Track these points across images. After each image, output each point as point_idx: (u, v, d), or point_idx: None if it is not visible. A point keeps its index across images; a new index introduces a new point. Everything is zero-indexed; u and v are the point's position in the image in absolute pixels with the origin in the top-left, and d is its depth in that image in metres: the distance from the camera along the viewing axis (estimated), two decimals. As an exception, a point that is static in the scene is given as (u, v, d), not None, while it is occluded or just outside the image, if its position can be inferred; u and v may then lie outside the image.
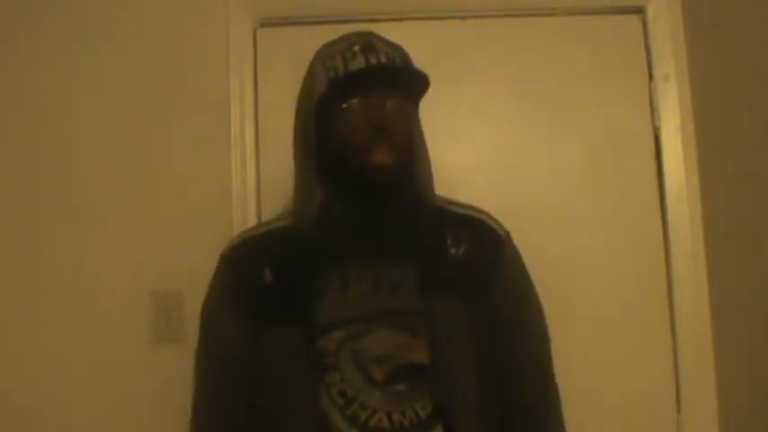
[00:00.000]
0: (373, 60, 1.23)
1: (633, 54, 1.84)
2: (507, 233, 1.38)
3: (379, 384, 1.23)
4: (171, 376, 1.73)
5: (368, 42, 1.27)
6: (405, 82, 1.27)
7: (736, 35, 1.78)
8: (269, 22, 1.85)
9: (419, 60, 1.74)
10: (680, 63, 1.82)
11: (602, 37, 1.85)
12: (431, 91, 1.78)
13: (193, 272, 1.76)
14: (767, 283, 1.69)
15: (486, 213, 1.39)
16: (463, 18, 1.85)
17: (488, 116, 1.83)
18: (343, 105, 1.25)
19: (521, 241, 1.75)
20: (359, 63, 1.24)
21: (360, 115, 1.24)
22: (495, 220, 1.39)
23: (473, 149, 1.83)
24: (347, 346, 1.23)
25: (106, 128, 1.81)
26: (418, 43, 1.82)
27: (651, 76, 1.83)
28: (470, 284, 1.28)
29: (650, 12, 1.84)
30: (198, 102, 1.82)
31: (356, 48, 1.26)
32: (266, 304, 1.28)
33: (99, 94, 1.82)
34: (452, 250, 1.30)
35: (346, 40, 1.29)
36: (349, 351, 1.23)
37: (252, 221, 1.77)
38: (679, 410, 1.75)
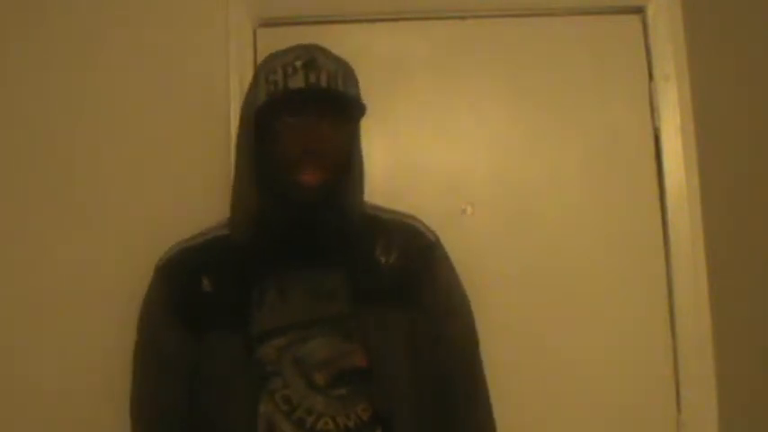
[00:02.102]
0: (312, 79, 1.23)
1: (633, 54, 1.84)
2: (437, 238, 1.41)
3: (322, 389, 1.25)
4: (171, 376, 1.73)
5: (310, 59, 1.26)
6: (341, 103, 1.26)
7: (736, 35, 1.78)
8: (269, 22, 1.85)
9: (419, 60, 1.75)
10: (680, 63, 1.82)
11: (602, 37, 1.85)
12: (430, 91, 1.79)
13: (193, 272, 1.76)
14: (767, 283, 1.69)
15: (416, 218, 1.41)
16: (463, 18, 1.85)
17: (488, 116, 1.83)
18: (277, 123, 1.25)
19: (520, 241, 1.76)
20: (298, 81, 1.23)
21: (291, 135, 1.24)
22: (425, 225, 1.41)
23: (473, 149, 1.83)
24: (288, 353, 1.26)
25: (106, 128, 1.81)
26: (418, 43, 1.83)
27: (651, 76, 1.83)
28: (401, 289, 1.31)
29: (650, 12, 1.84)
30: (198, 102, 1.82)
31: (298, 63, 1.25)
32: (204, 314, 1.30)
33: (99, 93, 1.82)
34: (382, 257, 1.33)
35: (292, 52, 1.28)
36: (290, 358, 1.26)
37: (252, 221, 1.77)
38: (679, 410, 1.75)
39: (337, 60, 1.29)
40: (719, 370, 1.74)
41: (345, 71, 1.29)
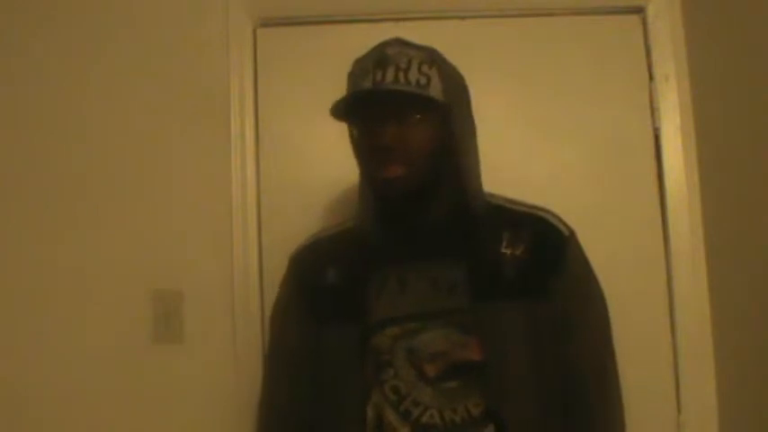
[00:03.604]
0: (378, 78, 1.24)
1: (633, 54, 1.84)
2: (572, 232, 1.37)
3: (432, 381, 1.24)
4: (171, 376, 1.74)
5: (382, 56, 1.26)
6: (409, 98, 1.25)
7: (736, 35, 1.77)
8: (269, 22, 1.85)
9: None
10: (680, 63, 1.82)
11: (602, 37, 1.85)
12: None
13: (193, 272, 1.77)
14: (767, 283, 1.69)
15: (550, 212, 1.38)
16: (463, 18, 1.85)
17: (488, 116, 1.82)
18: (356, 125, 1.29)
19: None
20: (366, 82, 1.25)
21: (366, 134, 1.27)
22: (559, 219, 1.37)
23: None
24: (402, 343, 1.26)
25: (107, 128, 1.82)
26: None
27: (651, 76, 1.83)
28: (528, 284, 1.28)
29: (650, 12, 1.84)
30: (198, 102, 1.82)
31: (370, 64, 1.26)
32: (327, 302, 1.32)
33: (99, 94, 1.82)
34: (508, 250, 1.30)
35: (371, 51, 1.30)
36: (403, 348, 1.26)
37: (252, 222, 1.78)
38: (679, 410, 1.75)
39: (416, 52, 1.28)
40: (719, 370, 1.74)
41: (422, 62, 1.26)
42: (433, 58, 1.29)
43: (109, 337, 1.75)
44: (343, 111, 1.28)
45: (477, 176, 1.35)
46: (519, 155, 1.82)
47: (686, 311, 1.77)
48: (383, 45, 1.30)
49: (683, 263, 1.78)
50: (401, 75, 1.24)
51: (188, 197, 1.79)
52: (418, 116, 1.25)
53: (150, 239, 1.78)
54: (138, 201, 1.79)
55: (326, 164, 1.76)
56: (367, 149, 1.27)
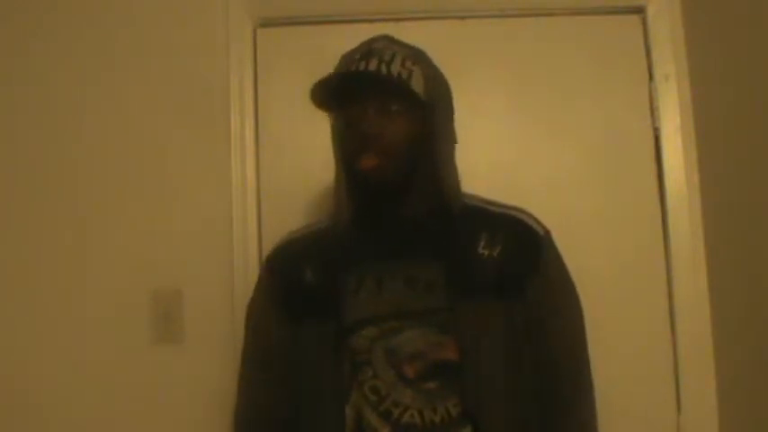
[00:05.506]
0: (362, 67, 1.25)
1: (633, 54, 1.84)
2: (547, 232, 1.37)
3: (411, 382, 1.24)
4: (170, 376, 1.74)
5: (369, 49, 1.28)
6: (390, 87, 1.26)
7: (736, 35, 1.77)
8: (269, 22, 1.85)
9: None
10: (680, 63, 1.83)
11: (602, 37, 1.85)
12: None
13: (193, 271, 1.77)
14: (767, 283, 1.69)
15: (526, 212, 1.38)
16: (463, 18, 1.86)
17: (488, 116, 1.83)
18: (338, 114, 1.29)
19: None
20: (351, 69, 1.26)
21: (348, 123, 1.27)
22: (535, 219, 1.38)
23: (472, 150, 1.81)
24: (380, 343, 1.25)
25: (107, 128, 1.82)
26: (418, 43, 1.82)
27: (651, 76, 1.83)
28: (504, 284, 1.28)
29: (650, 12, 1.84)
30: (198, 102, 1.82)
31: (357, 55, 1.27)
32: (302, 302, 1.31)
33: (99, 94, 1.83)
34: (485, 251, 1.29)
35: (359, 46, 1.30)
36: (381, 348, 1.25)
37: (252, 221, 1.78)
38: (679, 410, 1.75)
39: (401, 49, 1.29)
40: (719, 370, 1.74)
41: (405, 57, 1.28)
42: (418, 56, 1.31)
43: (108, 336, 1.75)
44: (322, 97, 1.28)
45: (455, 177, 1.35)
46: (519, 155, 1.83)
47: (686, 311, 1.77)
48: (370, 41, 1.31)
49: (683, 263, 1.78)
50: (383, 66, 1.25)
51: (188, 197, 1.79)
52: (396, 108, 1.25)
53: (150, 239, 1.78)
54: (138, 200, 1.79)
55: (326, 164, 1.74)
56: (344, 137, 1.28)
